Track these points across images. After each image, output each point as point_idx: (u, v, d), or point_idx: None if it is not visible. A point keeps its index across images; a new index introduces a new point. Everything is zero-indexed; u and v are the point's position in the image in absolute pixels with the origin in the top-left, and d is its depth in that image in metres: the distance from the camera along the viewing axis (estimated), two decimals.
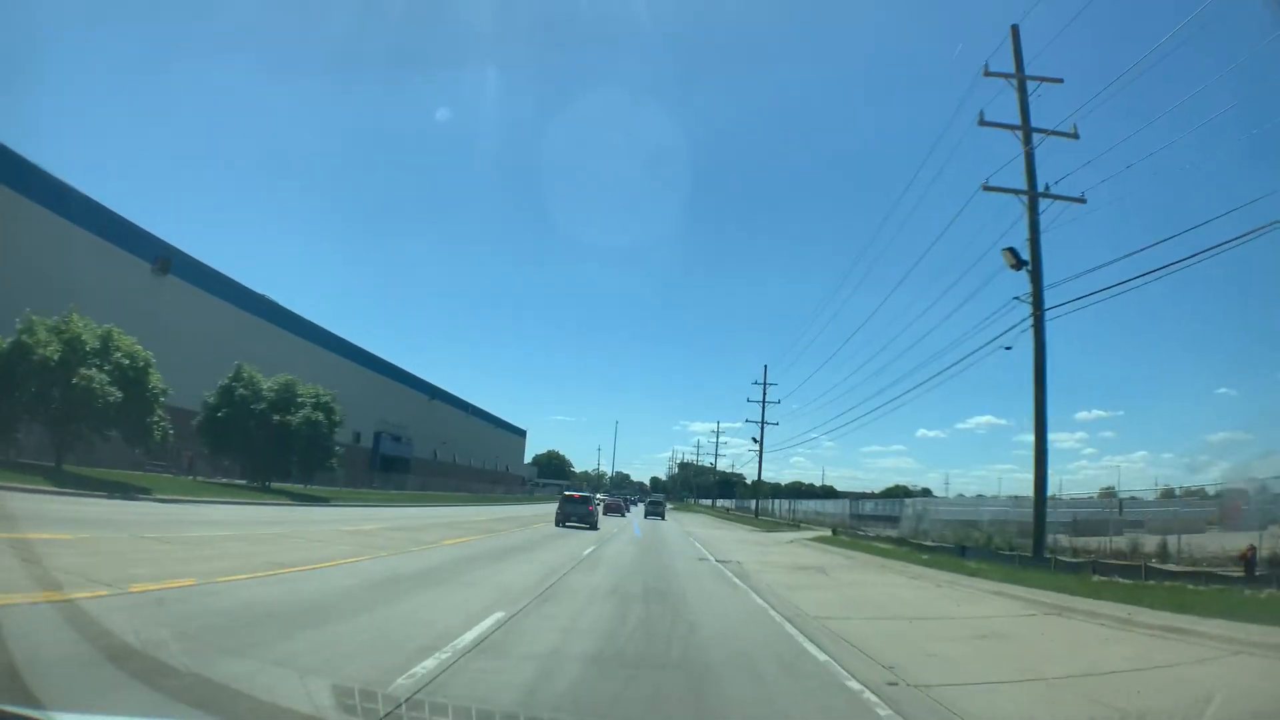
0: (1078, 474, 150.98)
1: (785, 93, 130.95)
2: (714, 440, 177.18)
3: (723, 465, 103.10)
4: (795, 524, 37.61)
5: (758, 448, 49.80)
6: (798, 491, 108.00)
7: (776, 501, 60.20)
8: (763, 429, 49.73)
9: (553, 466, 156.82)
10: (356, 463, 61.80)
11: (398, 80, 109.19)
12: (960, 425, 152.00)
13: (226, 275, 49.22)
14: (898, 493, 79.81)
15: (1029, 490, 15.99)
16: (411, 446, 73.68)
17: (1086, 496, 26.38)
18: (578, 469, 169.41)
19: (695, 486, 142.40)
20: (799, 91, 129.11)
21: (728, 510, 78.89)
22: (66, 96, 63.19)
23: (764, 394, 50.06)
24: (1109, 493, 26.65)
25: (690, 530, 34.13)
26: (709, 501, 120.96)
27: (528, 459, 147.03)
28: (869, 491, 61.73)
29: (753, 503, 72.73)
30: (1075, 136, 17.50)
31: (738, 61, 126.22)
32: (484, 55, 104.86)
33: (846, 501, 38.97)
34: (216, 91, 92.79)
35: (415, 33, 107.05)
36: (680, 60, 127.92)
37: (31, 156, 30.93)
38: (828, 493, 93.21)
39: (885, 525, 28.17)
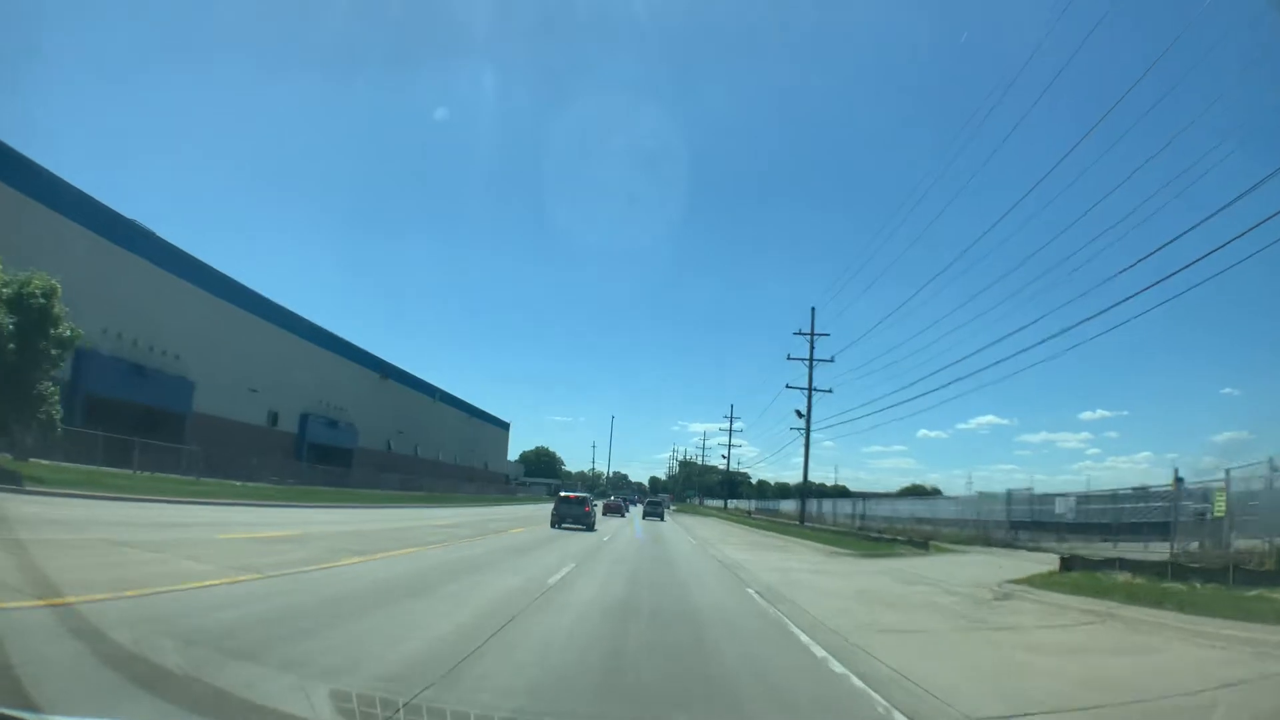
0: (1080, 474, 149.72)
1: (784, 91, 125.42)
2: (714, 440, 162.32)
3: (721, 464, 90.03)
4: (919, 542, 21.86)
5: (803, 423, 35.03)
6: (807, 491, 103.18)
7: (828, 503, 44.58)
8: (810, 397, 35.22)
9: (542, 464, 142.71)
10: (273, 449, 47.81)
11: (394, 77, 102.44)
12: (962, 426, 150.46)
13: (67, 182, 34.85)
14: (914, 492, 68.08)
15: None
16: (354, 434, 59.52)
17: None
18: (574, 469, 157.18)
19: (699, 486, 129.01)
20: (799, 89, 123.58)
21: (748, 513, 62.94)
22: (61, 92, 60.97)
23: (811, 347, 35.74)
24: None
25: (726, 555, 19.63)
26: (718, 503, 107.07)
27: (514, 455, 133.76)
28: (880, 492, 57.62)
29: (780, 503, 58.80)
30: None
31: (737, 59, 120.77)
32: (481, 53, 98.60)
33: (1002, 502, 23.42)
34: (211, 87, 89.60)
35: (412, 30, 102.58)
36: (679, 58, 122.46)
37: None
38: (840, 492, 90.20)
39: (1117, 538, 14.47)
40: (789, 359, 35.92)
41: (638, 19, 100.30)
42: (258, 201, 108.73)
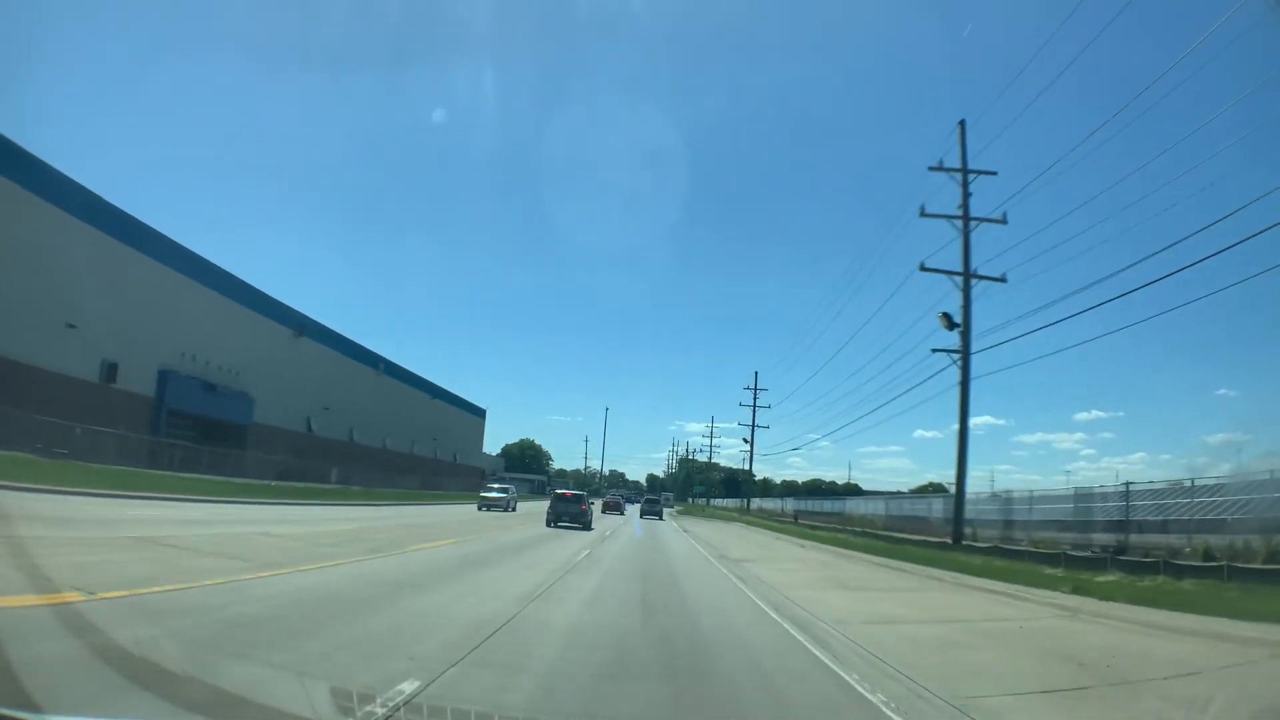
0: (1076, 475, 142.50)
1: (784, 92, 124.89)
2: (716, 437, 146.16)
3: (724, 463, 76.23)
4: None
5: (953, 340, 17.70)
6: (818, 490, 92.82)
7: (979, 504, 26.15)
8: (967, 292, 17.54)
9: (526, 458, 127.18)
10: (110, 414, 32.75)
11: (393, 75, 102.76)
12: (958, 426, 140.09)
13: None
14: (931, 490, 56.85)
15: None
16: (248, 405, 43.96)
17: None
18: (569, 467, 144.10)
19: (704, 484, 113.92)
20: (798, 91, 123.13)
21: (794, 517, 46.14)
22: (62, 90, 59.57)
23: (965, 244, 17.75)
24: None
25: None
26: (731, 502, 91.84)
27: (496, 448, 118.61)
28: (899, 490, 54.31)
29: (846, 502, 43.25)
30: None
31: (736, 60, 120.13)
32: (480, 52, 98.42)
33: None
34: (210, 86, 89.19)
35: (411, 29, 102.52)
36: (678, 58, 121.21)
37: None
38: (853, 491, 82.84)
39: None
40: (922, 215, 18.97)
41: (638, 18, 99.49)
42: (257, 197, 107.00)
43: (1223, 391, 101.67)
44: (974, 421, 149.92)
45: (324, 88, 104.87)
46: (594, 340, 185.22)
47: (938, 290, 25.50)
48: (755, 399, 54.59)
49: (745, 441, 54.40)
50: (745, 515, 53.33)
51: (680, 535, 29.78)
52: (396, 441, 64.62)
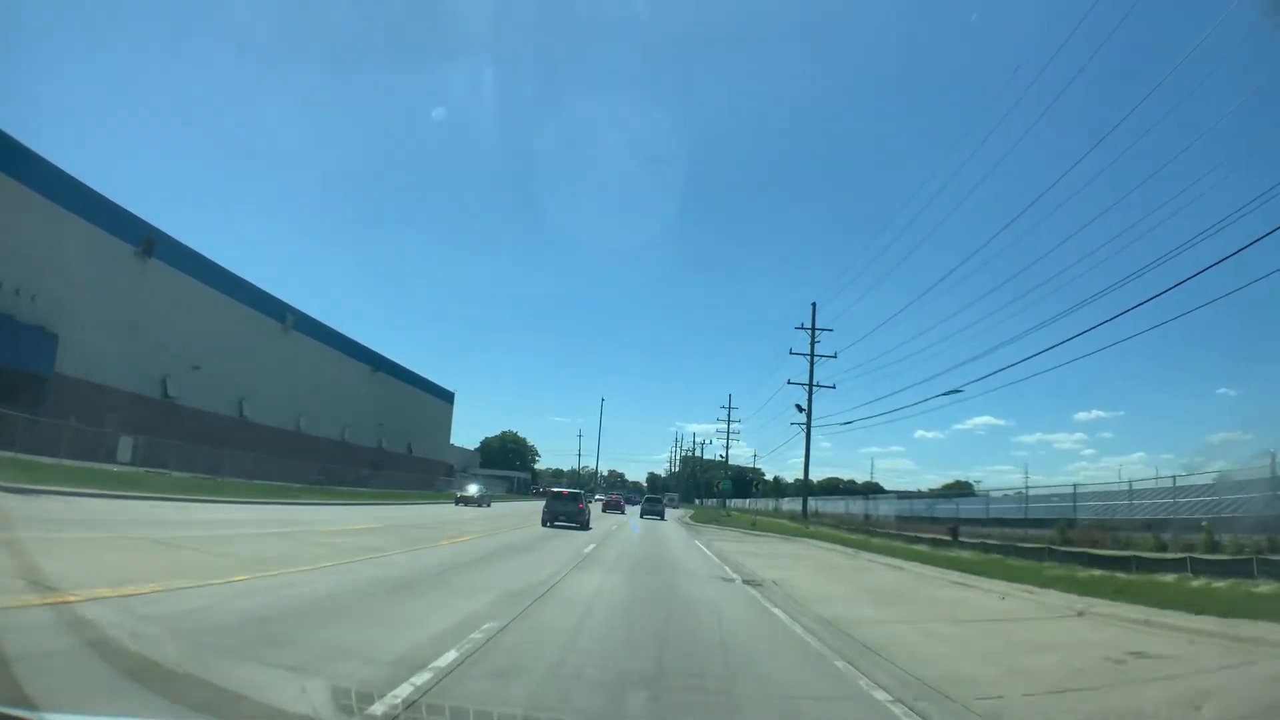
0: (1077, 474, 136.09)
1: (784, 90, 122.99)
2: (718, 436, 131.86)
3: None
4: None
5: None
6: (835, 489, 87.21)
7: None
8: None
9: (508, 453, 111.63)
10: None
11: (392, 72, 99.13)
12: (959, 426, 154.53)
13: None
14: (955, 489, 52.42)
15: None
16: (49, 348, 28.53)
17: None
18: (565, 466, 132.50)
19: (735, 481, 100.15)
20: (798, 88, 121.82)
21: (952, 533, 21.87)
22: (63, 86, 54.74)
23: None
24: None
25: None
26: (764, 503, 77.71)
27: (475, 442, 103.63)
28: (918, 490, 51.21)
29: (1027, 506, 25.40)
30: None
31: (736, 57, 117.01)
32: (480, 50, 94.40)
33: None
34: (210, 82, 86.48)
35: (411, 26, 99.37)
36: (678, 56, 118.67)
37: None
38: (872, 489, 77.76)
39: None
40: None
41: (638, 17, 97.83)
42: (256, 196, 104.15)
43: (1223, 390, 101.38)
44: (973, 422, 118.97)
45: (323, 85, 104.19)
46: (593, 340, 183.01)
47: None
48: (813, 343, 37.86)
49: (800, 418, 38.47)
50: (810, 527, 35.63)
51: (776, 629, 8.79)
52: (316, 423, 49.09)
